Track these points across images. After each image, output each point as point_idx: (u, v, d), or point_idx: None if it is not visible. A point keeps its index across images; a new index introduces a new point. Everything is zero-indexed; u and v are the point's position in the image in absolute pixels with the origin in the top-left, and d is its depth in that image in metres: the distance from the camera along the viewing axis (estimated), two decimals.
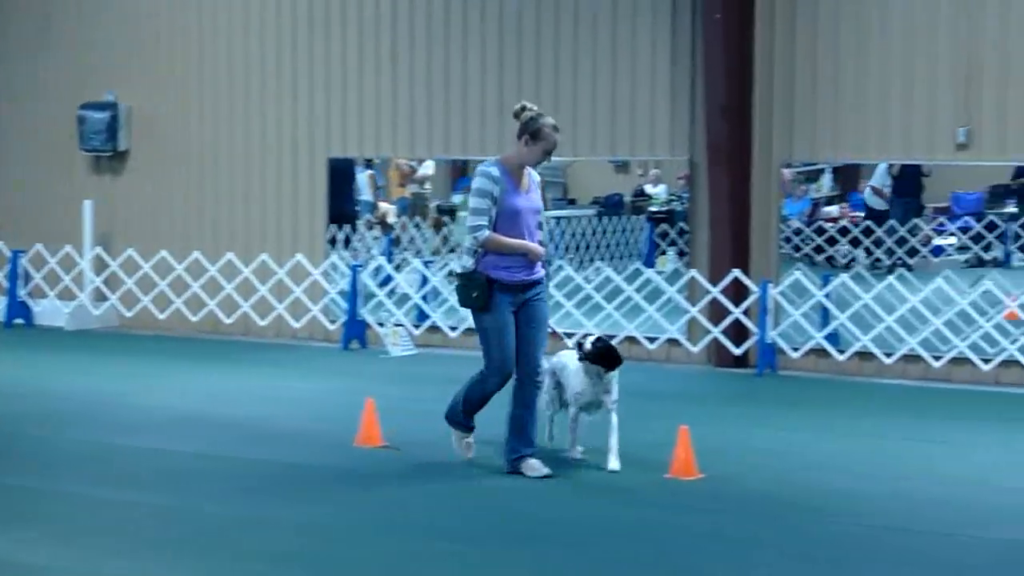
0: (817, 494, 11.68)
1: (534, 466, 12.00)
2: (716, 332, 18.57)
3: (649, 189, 31.97)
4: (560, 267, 20.85)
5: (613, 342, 12.95)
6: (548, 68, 19.96)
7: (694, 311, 18.84)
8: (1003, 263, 20.14)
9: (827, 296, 18.45)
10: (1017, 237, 20.10)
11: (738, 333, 18.56)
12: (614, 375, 12.43)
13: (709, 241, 18.89)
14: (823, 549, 10.01)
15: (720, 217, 18.70)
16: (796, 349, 18.35)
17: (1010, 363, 17.40)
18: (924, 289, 18.10)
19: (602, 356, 12.31)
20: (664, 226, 29.64)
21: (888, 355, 17.86)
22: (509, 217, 11.89)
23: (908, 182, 26.21)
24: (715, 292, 18.53)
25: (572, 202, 32.02)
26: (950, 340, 17.66)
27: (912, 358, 17.82)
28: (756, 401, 16.60)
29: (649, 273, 20.01)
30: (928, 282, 18.29)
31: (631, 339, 19.23)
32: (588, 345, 12.27)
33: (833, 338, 18.33)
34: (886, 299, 18.20)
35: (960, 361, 17.59)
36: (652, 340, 19.23)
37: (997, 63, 17.50)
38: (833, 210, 28.59)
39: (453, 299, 13.65)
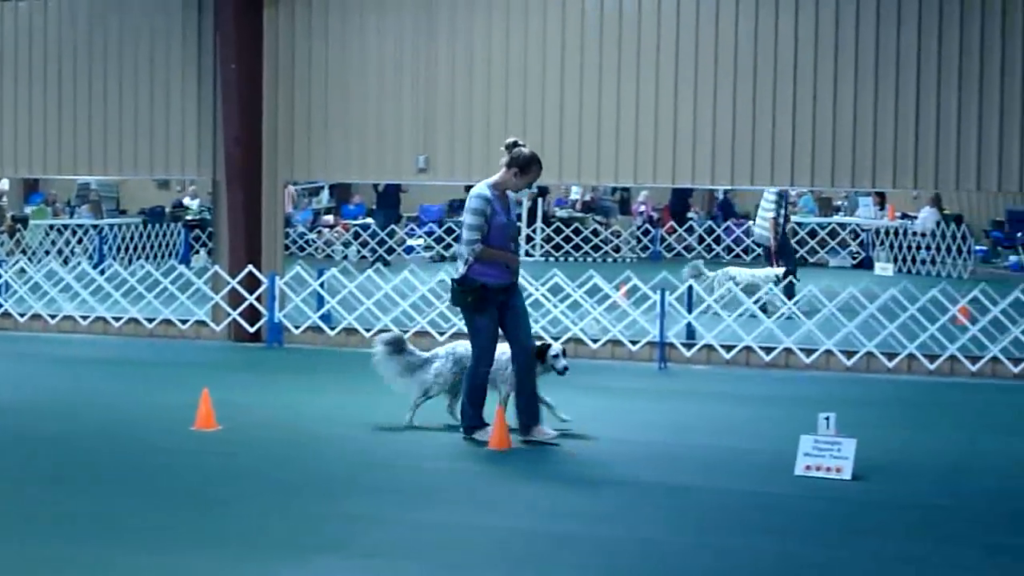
0: (317, 438, 11.79)
1: (544, 431, 11.75)
2: (235, 315, 18.57)
3: (187, 201, 31.77)
4: (111, 264, 20.56)
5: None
6: (99, 101, 19.55)
7: (217, 298, 18.80)
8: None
9: (321, 285, 18.71)
10: None
11: (252, 315, 18.58)
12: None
13: (229, 243, 18.87)
14: (321, 481, 10.16)
15: (237, 224, 18.66)
16: (298, 327, 18.55)
17: (461, 335, 17.98)
18: (394, 279, 18.56)
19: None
20: (197, 231, 29.53)
21: (368, 330, 18.25)
22: (497, 232, 11.39)
23: (389, 197, 26.86)
24: (234, 283, 18.52)
25: (123, 212, 31.53)
26: (415, 318, 18.11)
27: (386, 332, 18.20)
28: (267, 368, 16.63)
29: (182, 268, 19.98)
30: (399, 274, 18.80)
31: (167, 321, 19.18)
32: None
33: (327, 317, 18.62)
34: (367, 287, 18.59)
35: (422, 334, 17.97)
36: (184, 322, 19.11)
37: (446, 108, 18.00)
38: (329, 218, 29.09)
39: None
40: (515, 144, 11.59)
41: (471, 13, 17.88)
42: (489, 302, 11.47)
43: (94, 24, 19.60)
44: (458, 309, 12.83)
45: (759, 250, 22.56)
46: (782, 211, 20.94)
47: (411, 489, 10.03)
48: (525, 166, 11.48)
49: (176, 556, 8.13)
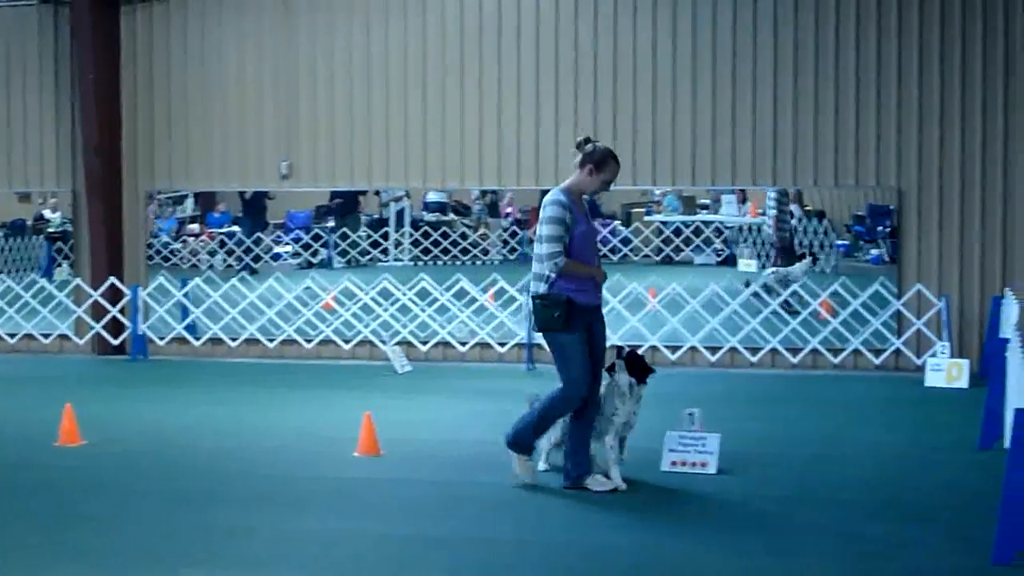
0: (185, 451, 11.72)
1: (600, 480, 10.15)
2: (98, 327, 18.39)
3: (48, 214, 31.20)
4: None
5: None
6: None
7: (80, 311, 18.61)
8: (326, 264, 20.74)
9: (185, 295, 18.60)
10: (336, 245, 20.76)
11: (116, 327, 18.43)
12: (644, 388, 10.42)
13: (90, 255, 18.69)
14: (191, 493, 10.10)
15: (98, 236, 18.53)
16: (162, 338, 18.40)
17: (327, 342, 17.98)
18: (260, 287, 18.49)
19: (636, 365, 10.36)
20: (60, 244, 29.02)
21: (234, 340, 18.19)
22: (579, 242, 9.94)
23: (255, 204, 26.59)
24: (96, 296, 18.35)
25: None
26: (281, 326, 18.12)
27: (252, 341, 18.18)
28: (131, 381, 16.48)
29: (43, 282, 19.71)
30: (265, 282, 18.70)
31: (30, 336, 18.91)
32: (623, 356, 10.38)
33: (191, 328, 18.49)
34: (232, 296, 18.48)
35: (289, 342, 18.09)
36: (47, 336, 18.90)
37: (309, 113, 18.03)
38: (194, 227, 28.72)
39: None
40: (587, 140, 10.21)
41: (331, 17, 17.88)
42: (578, 319, 9.95)
43: None
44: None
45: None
46: (785, 208, 20.75)
47: (283, 498, 9.99)
48: (600, 162, 10.07)
49: (42, 574, 8.03)
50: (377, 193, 19.94)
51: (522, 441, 10.20)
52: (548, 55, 17.28)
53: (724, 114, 16.86)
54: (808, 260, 18.64)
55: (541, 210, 10.01)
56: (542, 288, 9.93)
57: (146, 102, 18.50)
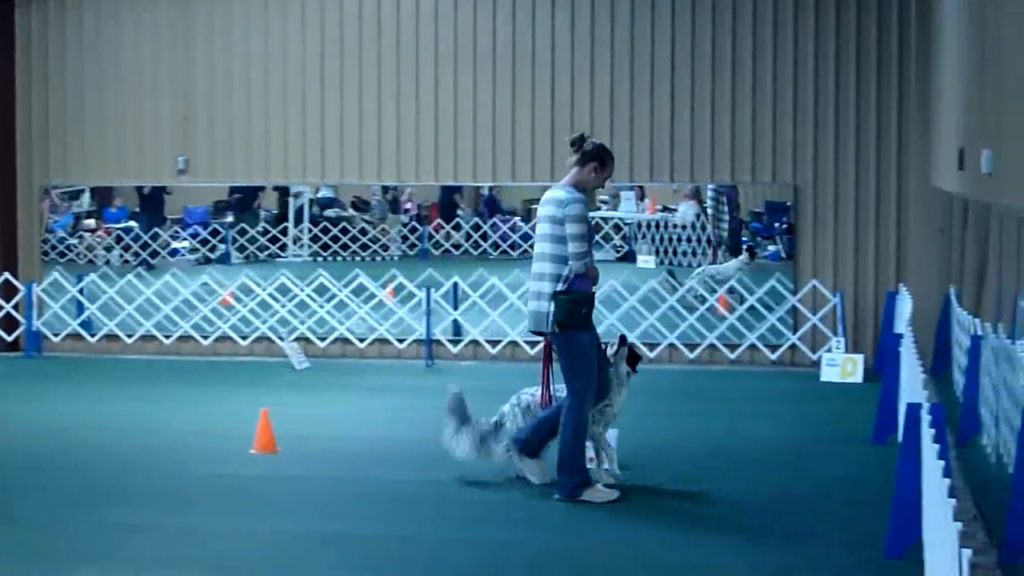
0: (79, 448, 11.57)
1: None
2: None
3: None
4: None
5: None
6: None
7: None
8: (224, 260, 20.52)
9: (81, 291, 18.29)
10: (235, 240, 20.54)
11: (9, 324, 18.05)
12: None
13: None
14: (84, 491, 9.95)
15: None
16: (57, 335, 18.08)
17: (224, 338, 17.79)
18: (156, 283, 18.23)
19: (631, 355, 10.20)
20: None
21: (129, 336, 17.91)
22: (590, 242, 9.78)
23: (152, 199, 26.27)
24: None
25: None
26: (178, 322, 17.83)
27: (148, 338, 17.89)
28: (25, 378, 16.19)
29: None
30: (162, 277, 18.43)
31: None
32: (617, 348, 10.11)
33: (87, 324, 18.19)
34: (128, 292, 18.22)
35: (186, 338, 17.84)
36: None
37: (206, 108, 17.75)
38: (91, 222, 28.31)
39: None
40: (582, 137, 9.92)
41: (228, 11, 17.65)
42: (591, 318, 9.83)
43: None
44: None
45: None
46: (721, 208, 20.56)
47: (178, 496, 9.88)
48: (603, 159, 9.87)
49: None
50: (276, 188, 19.76)
51: (577, 477, 9.70)
52: (447, 48, 17.18)
53: (622, 111, 16.87)
54: (745, 256, 18.54)
55: (558, 209, 9.67)
56: (560, 286, 9.60)
57: (41, 96, 18.15)
